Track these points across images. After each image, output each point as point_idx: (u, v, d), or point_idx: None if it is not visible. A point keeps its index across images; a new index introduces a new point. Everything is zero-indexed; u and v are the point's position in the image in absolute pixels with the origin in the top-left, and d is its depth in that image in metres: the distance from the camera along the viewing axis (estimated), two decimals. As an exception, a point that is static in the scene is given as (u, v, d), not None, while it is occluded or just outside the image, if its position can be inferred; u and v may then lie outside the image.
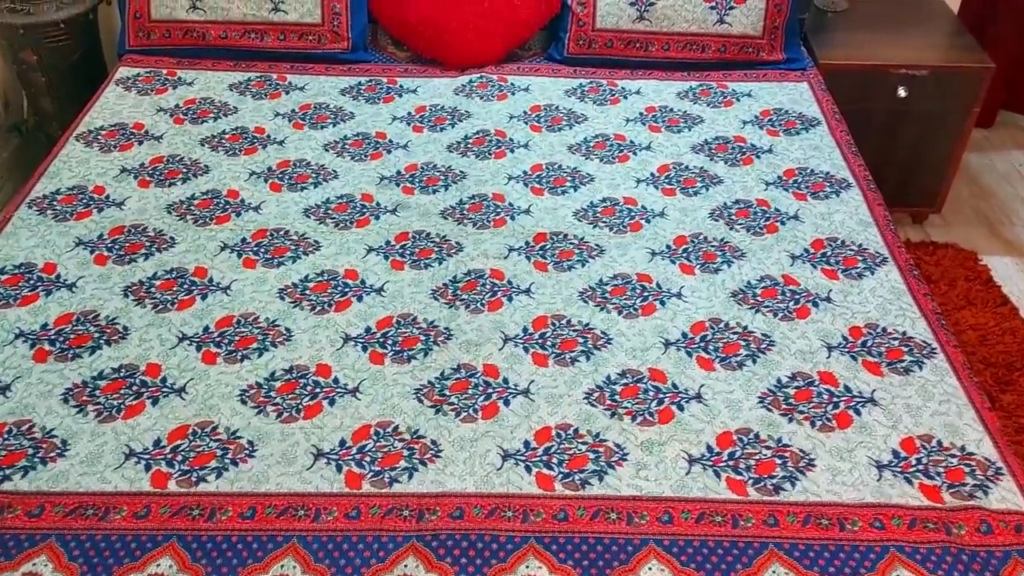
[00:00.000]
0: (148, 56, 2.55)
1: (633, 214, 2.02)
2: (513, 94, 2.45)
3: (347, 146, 2.23)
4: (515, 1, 2.55)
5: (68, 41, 2.73)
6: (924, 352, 1.68)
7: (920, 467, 1.47)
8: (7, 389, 1.57)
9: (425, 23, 2.54)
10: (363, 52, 2.60)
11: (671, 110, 2.39)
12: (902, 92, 2.62)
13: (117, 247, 1.88)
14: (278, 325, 1.71)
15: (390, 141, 2.25)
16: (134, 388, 1.57)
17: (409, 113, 2.36)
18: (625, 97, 2.45)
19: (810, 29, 2.79)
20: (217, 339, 1.67)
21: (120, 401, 1.55)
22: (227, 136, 2.25)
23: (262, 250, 1.89)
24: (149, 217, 1.97)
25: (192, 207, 2.00)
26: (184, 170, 2.12)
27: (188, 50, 2.55)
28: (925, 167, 2.79)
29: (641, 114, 2.38)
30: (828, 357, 1.67)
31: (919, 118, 2.69)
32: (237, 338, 1.67)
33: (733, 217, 2.02)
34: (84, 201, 2.01)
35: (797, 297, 1.80)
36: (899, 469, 1.47)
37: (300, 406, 1.55)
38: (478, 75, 2.52)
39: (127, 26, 2.56)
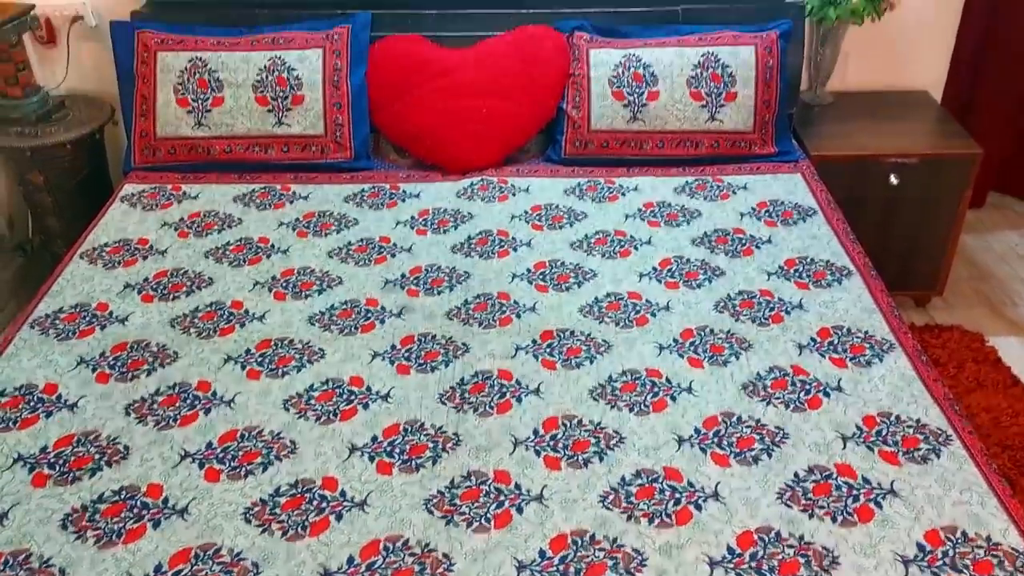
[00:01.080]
0: (153, 172, 2.60)
1: (638, 308, 2.02)
2: (514, 195, 2.49)
3: (351, 252, 2.25)
4: (512, 107, 2.62)
5: (75, 161, 2.79)
6: (940, 439, 1.66)
7: (947, 561, 1.43)
8: (5, 517, 1.53)
9: (426, 131, 2.60)
10: (366, 160, 2.65)
11: (669, 205, 2.42)
12: (894, 180, 2.67)
13: (119, 364, 1.87)
14: (282, 437, 1.68)
15: (394, 245, 2.27)
16: (135, 510, 1.54)
17: (412, 217, 2.39)
18: (623, 194, 2.48)
19: (799, 122, 2.85)
20: (220, 455, 1.64)
21: (121, 525, 1.51)
22: (231, 247, 2.27)
23: (266, 361, 1.88)
24: (152, 332, 1.97)
25: (196, 320, 2.00)
26: (188, 283, 2.13)
27: (193, 165, 2.60)
28: (923, 251, 2.81)
29: (640, 210, 2.40)
30: (844, 448, 1.64)
31: (913, 204, 2.73)
32: (241, 453, 1.65)
33: (738, 308, 2.02)
34: (87, 319, 2.01)
35: (808, 387, 1.78)
36: (926, 564, 1.42)
37: (306, 523, 1.51)
38: (479, 178, 2.56)
39: (133, 144, 2.62)
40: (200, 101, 2.57)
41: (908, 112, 2.94)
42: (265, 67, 2.58)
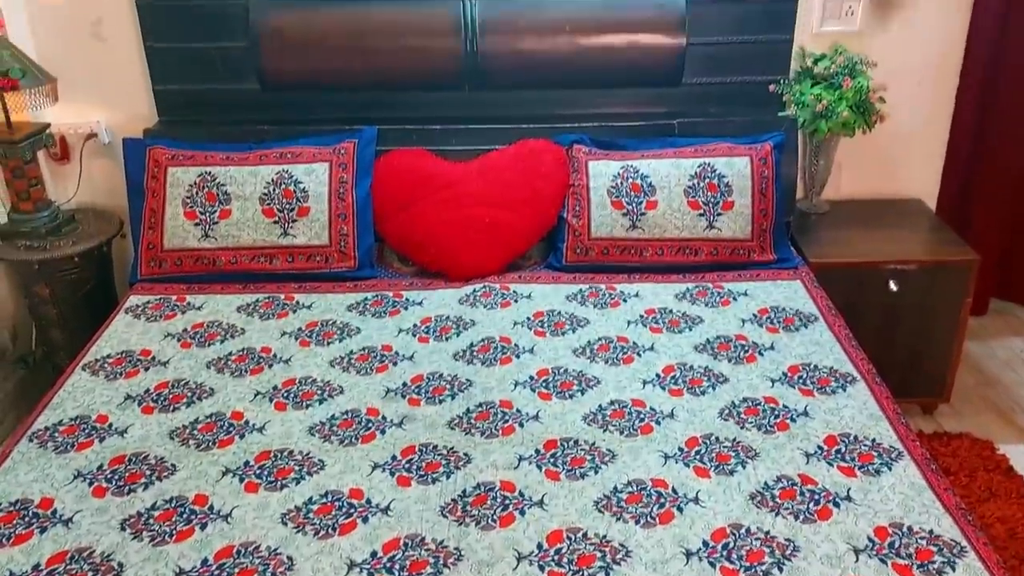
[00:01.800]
0: (159, 284, 2.62)
1: (643, 416, 2.00)
2: (516, 301, 2.50)
3: (353, 361, 2.25)
4: (514, 216, 2.67)
5: (82, 273, 2.82)
6: (955, 551, 1.61)
7: None
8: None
9: (429, 239, 2.64)
10: (369, 269, 2.68)
11: (670, 311, 2.43)
12: (893, 286, 2.69)
13: (117, 478, 1.84)
14: (280, 553, 1.64)
15: (396, 353, 2.27)
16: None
17: (415, 325, 2.40)
18: (624, 300, 2.50)
19: (796, 230, 2.89)
20: (216, 572, 1.60)
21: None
22: (233, 358, 2.27)
23: (265, 473, 1.85)
24: (151, 444, 1.95)
25: (195, 431, 1.99)
26: (189, 394, 2.12)
27: (198, 276, 2.63)
28: (928, 358, 2.81)
29: (641, 316, 2.41)
30: (856, 561, 1.59)
31: (914, 311, 2.74)
32: (237, 570, 1.60)
33: (743, 416, 2.00)
34: (86, 431, 1.99)
35: (817, 497, 1.75)
36: None
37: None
38: (481, 285, 2.58)
39: (140, 256, 2.66)
40: (208, 214, 2.63)
41: (903, 220, 2.99)
42: (272, 180, 2.64)
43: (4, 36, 2.66)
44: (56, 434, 1.98)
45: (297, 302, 2.53)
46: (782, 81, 2.86)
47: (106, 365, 2.24)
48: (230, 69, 2.86)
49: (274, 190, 2.63)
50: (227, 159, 2.68)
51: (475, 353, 2.26)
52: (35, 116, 2.80)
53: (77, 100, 2.94)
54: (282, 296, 2.56)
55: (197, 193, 2.64)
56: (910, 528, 1.66)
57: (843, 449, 1.88)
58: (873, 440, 1.91)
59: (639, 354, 2.24)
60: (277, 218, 2.63)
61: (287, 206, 2.63)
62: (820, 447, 1.89)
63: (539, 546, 1.64)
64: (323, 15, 2.79)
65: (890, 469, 1.82)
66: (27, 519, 1.73)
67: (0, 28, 2.65)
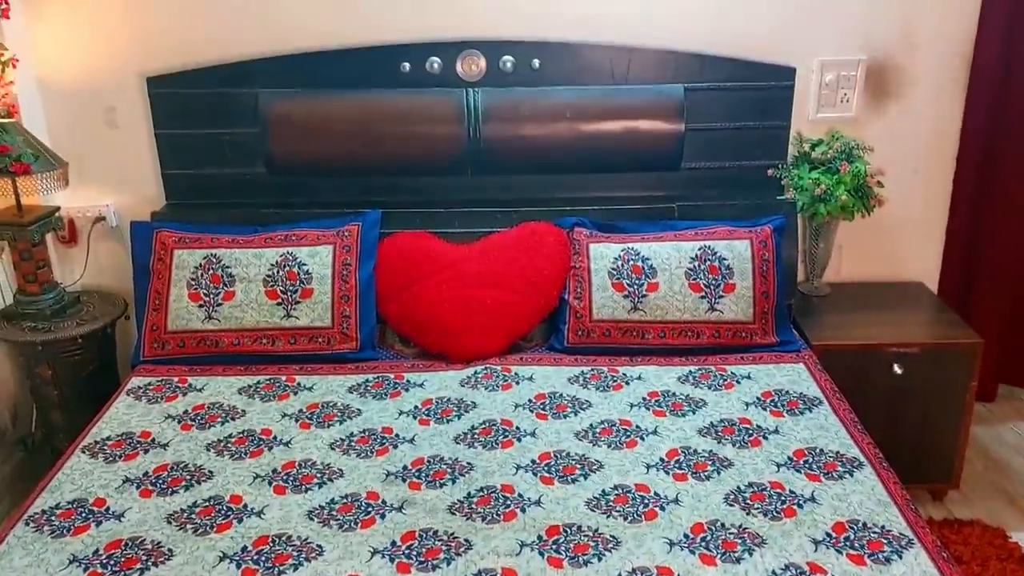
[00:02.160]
0: (161, 365, 2.62)
1: (647, 501, 1.97)
2: (517, 383, 2.49)
3: (353, 443, 2.23)
4: (516, 297, 2.68)
5: (85, 355, 2.82)
6: (971, 643, 1.57)
7: None
8: None
9: (431, 320, 2.65)
10: (371, 351, 2.68)
11: (673, 394, 2.42)
12: (898, 369, 2.68)
13: (113, 563, 1.80)
14: (277, 642, 1.60)
15: (396, 436, 2.25)
16: None
17: (416, 407, 2.39)
18: (627, 383, 2.49)
19: (798, 313, 2.90)
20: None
21: None
22: (233, 440, 2.25)
23: (263, 559, 1.81)
24: (148, 529, 1.91)
25: (193, 515, 1.96)
26: (188, 477, 2.10)
27: (201, 358, 2.63)
28: (935, 442, 2.78)
29: (644, 399, 2.40)
30: (869, 653, 1.55)
31: (919, 394, 2.73)
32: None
33: (748, 501, 1.96)
34: (83, 515, 1.96)
35: (826, 586, 1.71)
36: None
37: None
38: (483, 366, 2.58)
39: (143, 338, 2.66)
40: (212, 295, 2.64)
41: (906, 303, 3.00)
42: (276, 262, 2.67)
43: (19, 122, 2.73)
44: (53, 518, 1.95)
45: (298, 384, 2.52)
46: (780, 166, 2.92)
47: (105, 447, 2.23)
48: (238, 154, 2.92)
49: (278, 272, 2.66)
50: (233, 241, 2.72)
51: (476, 436, 2.24)
52: (45, 199, 2.85)
53: (87, 184, 3.00)
54: (283, 378, 2.55)
55: (202, 275, 2.66)
56: (923, 618, 1.62)
57: (852, 536, 1.84)
58: (883, 527, 1.87)
59: (642, 438, 2.22)
60: (280, 300, 2.64)
61: (290, 288, 2.65)
62: (829, 534, 1.85)
63: (541, 636, 1.60)
64: (330, 103, 2.86)
65: (901, 557, 1.78)
66: (18, 607, 1.69)
67: (15, 114, 2.72)
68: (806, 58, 2.90)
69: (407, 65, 2.84)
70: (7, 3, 2.67)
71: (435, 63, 2.84)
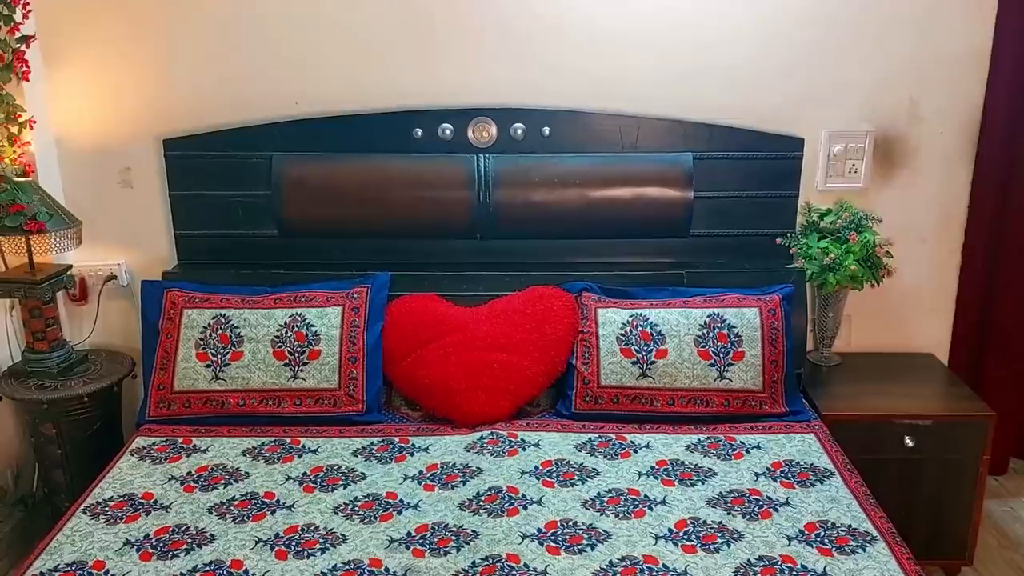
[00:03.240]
0: (166, 425, 2.61)
1: (655, 574, 1.93)
2: (524, 449, 2.47)
3: (357, 508, 2.20)
4: (523, 362, 2.67)
5: (90, 413, 2.81)
6: None
7: None
8: None
9: (437, 384, 2.64)
10: (377, 413, 2.66)
11: (682, 463, 2.39)
12: (909, 442, 2.64)
13: (109, 628, 1.77)
14: None
15: (401, 501, 2.22)
16: None
17: (420, 471, 2.36)
18: (635, 451, 2.46)
19: (807, 382, 2.88)
20: None
21: None
22: (236, 503, 2.22)
23: (263, 626, 1.78)
24: (147, 593, 1.88)
25: (193, 580, 1.92)
26: (189, 540, 2.07)
27: (206, 418, 2.62)
28: (948, 517, 2.73)
29: (653, 467, 2.37)
30: None
31: (932, 467, 2.69)
32: None
33: (759, 576, 1.92)
34: (81, 578, 1.93)
35: (840, 666, 1.66)
36: None
37: None
38: (489, 431, 2.55)
39: (149, 397, 2.65)
40: (219, 355, 2.64)
41: (916, 374, 2.98)
42: (285, 323, 2.67)
43: (35, 180, 2.77)
44: (49, 581, 1.92)
45: (303, 446, 2.50)
46: (788, 234, 2.93)
47: (107, 508, 2.20)
48: (250, 216, 2.95)
49: (286, 333, 2.66)
50: (242, 302, 2.72)
51: (482, 503, 2.21)
52: (58, 258, 2.87)
53: (99, 242, 3.02)
54: (288, 440, 2.53)
55: (210, 335, 2.66)
56: None
57: (865, 613, 1.80)
58: (896, 604, 1.83)
59: (651, 507, 2.19)
60: (288, 361, 2.64)
61: (298, 349, 2.64)
62: (841, 610, 1.81)
63: None
64: (342, 166, 2.90)
65: (916, 636, 1.74)
66: (10, 673, 1.66)
67: (31, 173, 2.76)
68: (815, 129, 2.93)
69: (419, 131, 2.89)
70: (28, 67, 2.73)
71: (447, 129, 2.88)
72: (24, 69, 2.73)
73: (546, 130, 2.88)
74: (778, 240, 2.92)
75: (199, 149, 2.90)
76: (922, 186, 3.01)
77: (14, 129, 2.70)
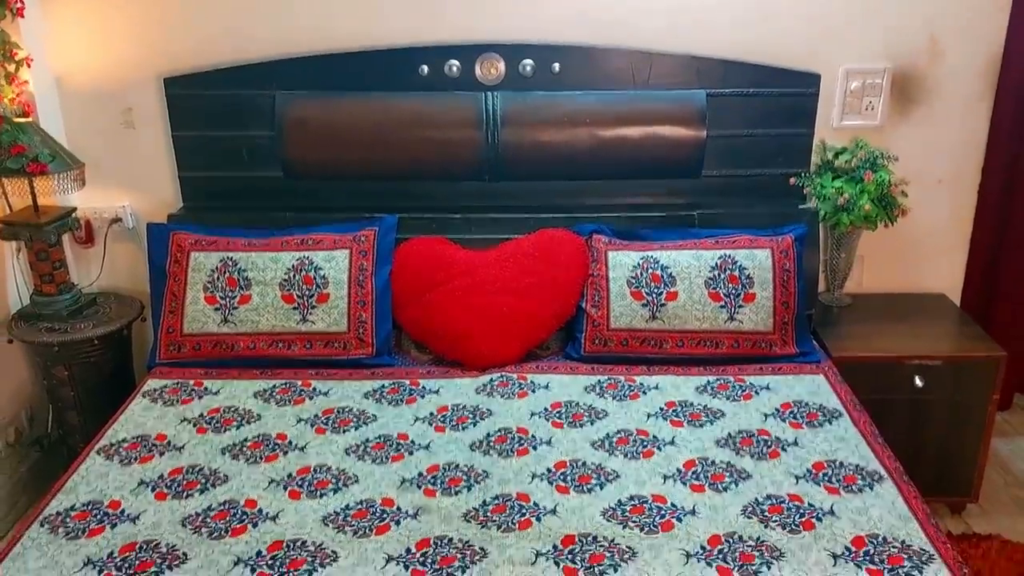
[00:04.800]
0: (177, 368, 2.62)
1: (663, 512, 1.95)
2: (533, 392, 2.48)
3: (368, 449, 2.21)
4: (532, 305, 2.66)
5: (101, 357, 2.83)
6: (996, 663, 1.53)
7: None
8: None
9: (447, 327, 2.64)
10: (387, 357, 2.67)
11: (691, 404, 2.40)
12: (919, 382, 2.64)
13: (127, 566, 1.80)
14: (291, 650, 1.58)
15: (412, 442, 2.24)
16: None
17: (431, 413, 2.37)
18: (644, 392, 2.47)
19: (818, 324, 2.87)
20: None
21: None
22: (249, 444, 2.24)
23: (277, 564, 1.80)
24: (163, 532, 1.91)
25: (208, 519, 1.95)
26: (203, 480, 2.09)
27: (216, 361, 2.63)
28: (955, 455, 2.74)
29: (662, 409, 2.38)
30: (891, 672, 1.52)
31: (940, 407, 2.69)
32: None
33: (767, 514, 1.94)
34: (98, 517, 1.96)
35: (847, 602, 1.68)
36: None
37: None
38: (499, 374, 2.56)
39: (159, 340, 2.66)
40: (228, 299, 2.64)
41: (927, 314, 2.97)
42: (293, 266, 2.66)
43: (35, 122, 2.73)
44: (68, 520, 1.95)
45: (314, 389, 2.51)
46: (803, 174, 2.89)
47: (121, 449, 2.22)
48: (254, 157, 2.92)
49: (294, 276, 2.65)
50: (249, 245, 2.71)
51: (492, 444, 2.22)
52: (62, 200, 2.85)
53: (104, 185, 3.00)
54: (299, 382, 2.54)
55: (218, 278, 2.66)
56: (946, 638, 1.59)
57: (872, 551, 1.82)
58: (903, 542, 1.84)
59: (659, 448, 2.20)
60: (296, 304, 2.64)
61: (307, 292, 2.64)
62: (848, 548, 1.83)
63: (557, 649, 1.58)
64: (347, 106, 2.86)
65: (921, 573, 1.75)
66: (31, 609, 1.69)
67: (30, 113, 2.72)
68: (831, 65, 2.87)
69: (425, 68, 2.83)
70: (22, 2, 2.67)
71: (454, 66, 2.83)
72: (19, 5, 2.67)
73: (556, 67, 2.82)
74: (792, 180, 2.88)
75: (201, 88, 2.86)
76: (940, 124, 2.95)
77: (11, 67, 2.65)
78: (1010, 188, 3.00)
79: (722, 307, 2.62)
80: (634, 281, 2.65)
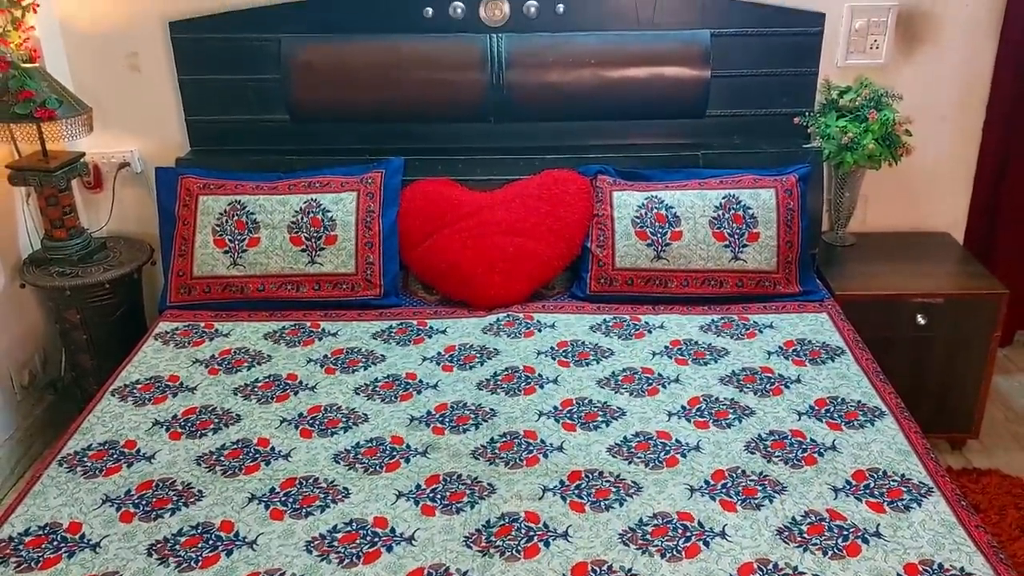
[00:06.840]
0: (187, 311, 2.65)
1: (668, 449, 1.99)
2: (540, 331, 2.51)
3: (377, 388, 2.26)
4: (538, 245, 2.68)
5: (112, 300, 2.86)
6: (988, 589, 1.58)
7: None
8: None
9: (453, 268, 2.66)
10: (394, 297, 2.70)
11: (696, 343, 2.43)
12: (921, 320, 2.67)
13: (144, 503, 1.85)
14: (307, 580, 1.64)
15: (420, 382, 2.28)
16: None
17: (439, 353, 2.41)
18: (649, 331, 2.50)
19: (822, 263, 2.88)
20: (243, 597, 1.60)
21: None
22: (260, 384, 2.29)
23: (290, 500, 1.85)
24: (178, 470, 1.96)
25: (222, 458, 2.00)
26: (216, 420, 2.14)
27: (226, 304, 2.66)
28: (956, 392, 2.78)
29: (667, 347, 2.41)
30: (887, 598, 1.57)
31: (942, 344, 2.72)
32: (264, 596, 1.61)
33: (769, 449, 1.98)
34: (114, 456, 2.01)
35: (845, 533, 1.73)
36: None
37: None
38: (505, 314, 2.59)
39: (170, 283, 2.69)
40: (237, 242, 2.66)
41: (931, 253, 2.98)
42: (301, 209, 2.67)
43: (42, 67, 2.72)
44: (85, 459, 2.00)
45: (323, 329, 2.54)
46: (807, 113, 2.87)
47: (135, 391, 2.27)
48: (261, 101, 2.91)
49: (302, 219, 2.66)
50: (257, 188, 2.72)
51: (499, 382, 2.26)
52: (70, 145, 2.86)
53: (111, 130, 3.00)
54: (308, 324, 2.58)
55: (227, 221, 2.67)
56: (941, 566, 1.64)
57: (872, 484, 1.86)
58: (902, 476, 1.88)
59: (664, 386, 2.24)
60: (305, 246, 2.66)
61: (315, 234, 2.66)
62: (848, 482, 1.87)
63: (564, 578, 1.63)
64: (352, 49, 2.84)
65: (920, 505, 1.80)
66: (55, 543, 1.75)
67: (37, 59, 2.71)
68: (836, 3, 2.83)
69: (430, 10, 2.81)
70: (26, -54, 2.65)
71: (458, 8, 2.80)
72: (22, -51, 2.64)
73: (560, 7, 2.80)
74: (796, 120, 2.87)
75: (206, 31, 2.84)
76: (945, 62, 2.92)
77: (17, 13, 2.64)
78: (1014, 126, 2.98)
79: (726, 246, 2.63)
80: (639, 221, 2.66)
